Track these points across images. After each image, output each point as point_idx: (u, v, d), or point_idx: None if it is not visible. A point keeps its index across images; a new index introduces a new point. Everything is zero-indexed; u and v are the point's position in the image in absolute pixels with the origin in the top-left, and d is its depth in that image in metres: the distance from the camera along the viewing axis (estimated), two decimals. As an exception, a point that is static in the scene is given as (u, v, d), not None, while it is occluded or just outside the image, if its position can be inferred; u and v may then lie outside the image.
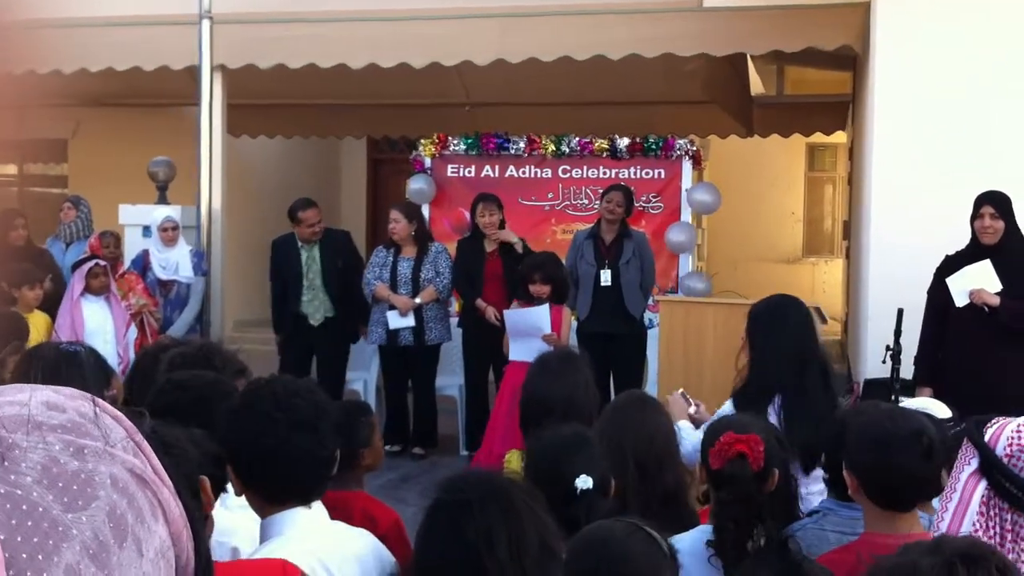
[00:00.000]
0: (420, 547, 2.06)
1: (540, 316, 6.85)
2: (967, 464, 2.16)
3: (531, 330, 6.87)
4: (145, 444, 0.77)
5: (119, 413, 0.77)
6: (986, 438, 2.14)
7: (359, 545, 2.40)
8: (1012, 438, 2.11)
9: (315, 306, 8.16)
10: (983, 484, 2.12)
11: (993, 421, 2.18)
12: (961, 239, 6.51)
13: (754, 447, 2.66)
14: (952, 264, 6.05)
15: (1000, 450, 2.11)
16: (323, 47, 8.79)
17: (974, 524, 2.11)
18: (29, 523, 0.65)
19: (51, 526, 0.66)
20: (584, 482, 2.61)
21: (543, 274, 6.97)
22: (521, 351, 6.87)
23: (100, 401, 0.77)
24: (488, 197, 8.12)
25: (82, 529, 0.67)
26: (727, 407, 4.05)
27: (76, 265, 7.43)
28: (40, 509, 0.66)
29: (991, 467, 2.11)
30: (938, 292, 6.08)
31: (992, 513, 2.10)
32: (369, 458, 3.40)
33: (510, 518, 1.97)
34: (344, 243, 8.45)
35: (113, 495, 0.70)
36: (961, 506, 2.14)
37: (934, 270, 6.15)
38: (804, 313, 4.12)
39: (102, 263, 7.20)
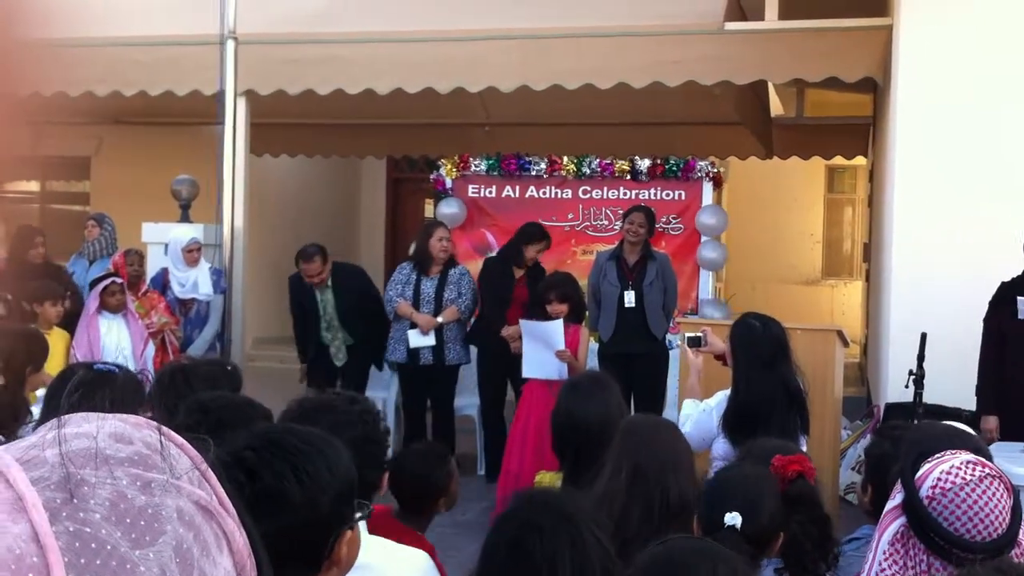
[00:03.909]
0: (484, 559, 2.06)
1: (554, 331, 6.85)
2: (892, 499, 2.09)
3: (545, 343, 6.87)
4: (210, 473, 0.77)
5: (184, 442, 0.77)
6: (919, 474, 2.04)
7: (402, 570, 2.38)
8: (939, 479, 2.01)
9: (336, 346, 8.21)
10: (899, 522, 2.03)
11: (935, 457, 2.07)
12: (984, 263, 6.49)
13: (806, 464, 2.67)
14: (1008, 291, 6.03)
15: (924, 490, 2.01)
16: (349, 71, 8.82)
17: (880, 564, 2.02)
18: (98, 562, 0.65)
19: (119, 564, 0.66)
20: (733, 519, 2.52)
21: (559, 293, 6.98)
22: (535, 368, 6.88)
23: (166, 430, 0.77)
24: (541, 234, 8.15)
25: (149, 566, 0.67)
26: (712, 411, 4.35)
27: (94, 283, 7.45)
28: (109, 547, 0.66)
29: (910, 507, 2.02)
30: (995, 319, 6.06)
31: (911, 552, 2.01)
32: (445, 506, 3.51)
33: (576, 547, 1.98)
34: (356, 279, 8.39)
35: (180, 529, 0.70)
36: (876, 541, 2.07)
37: (989, 299, 6.12)
38: (768, 337, 4.33)
39: (118, 281, 7.22)
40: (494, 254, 8.65)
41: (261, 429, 1.95)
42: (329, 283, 8.14)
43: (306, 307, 8.24)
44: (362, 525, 2.25)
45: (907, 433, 2.83)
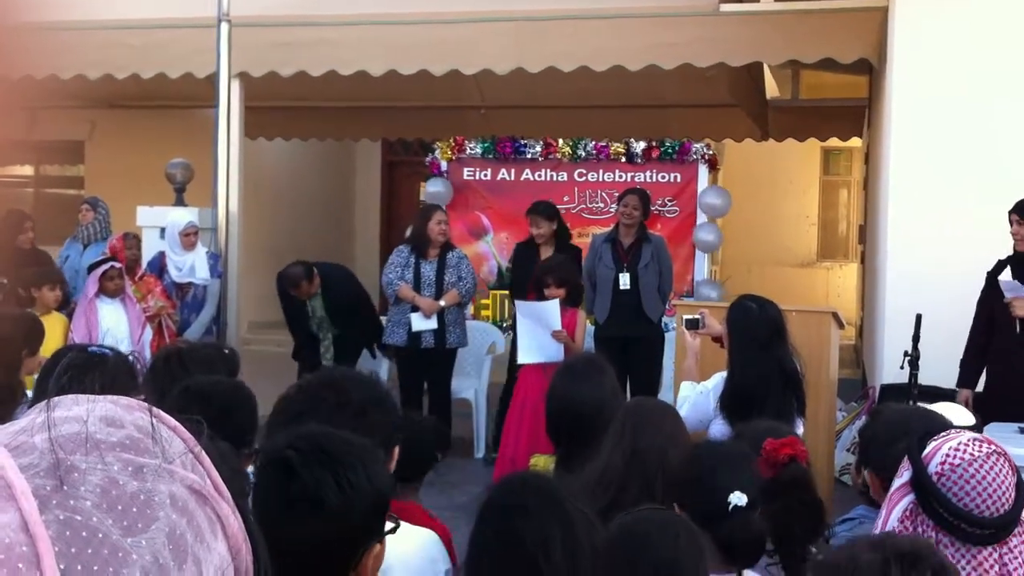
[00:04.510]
0: (474, 549, 2.04)
1: (550, 312, 6.83)
2: (900, 476, 2.10)
3: (541, 324, 6.86)
4: (204, 456, 0.76)
5: (177, 424, 0.76)
6: (926, 451, 2.06)
7: (405, 548, 2.34)
8: (947, 456, 2.02)
9: (325, 345, 8.25)
10: (908, 499, 2.05)
11: (940, 435, 2.09)
12: (979, 244, 6.50)
13: (798, 447, 2.66)
14: (999, 268, 6.11)
15: (933, 467, 2.03)
16: (343, 53, 8.79)
17: None
18: (89, 550, 0.64)
19: (111, 552, 0.65)
20: (739, 499, 2.47)
21: (556, 277, 6.97)
22: (531, 352, 6.87)
23: (158, 412, 0.75)
24: (534, 209, 8.15)
25: (142, 553, 0.66)
26: (709, 393, 4.36)
27: (92, 267, 7.43)
28: (100, 535, 0.65)
29: (919, 484, 2.03)
30: (988, 296, 6.14)
31: (920, 530, 2.03)
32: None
33: (566, 526, 1.97)
34: (344, 284, 8.36)
35: (172, 515, 0.69)
36: (884, 518, 2.08)
37: (986, 275, 6.18)
38: (764, 319, 4.32)
39: (117, 265, 7.21)
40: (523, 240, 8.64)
41: (306, 430, 1.92)
42: (318, 291, 8.16)
43: (295, 307, 8.26)
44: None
45: (880, 416, 2.83)
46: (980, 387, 6.29)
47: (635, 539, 2.11)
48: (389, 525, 1.82)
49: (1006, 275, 6.01)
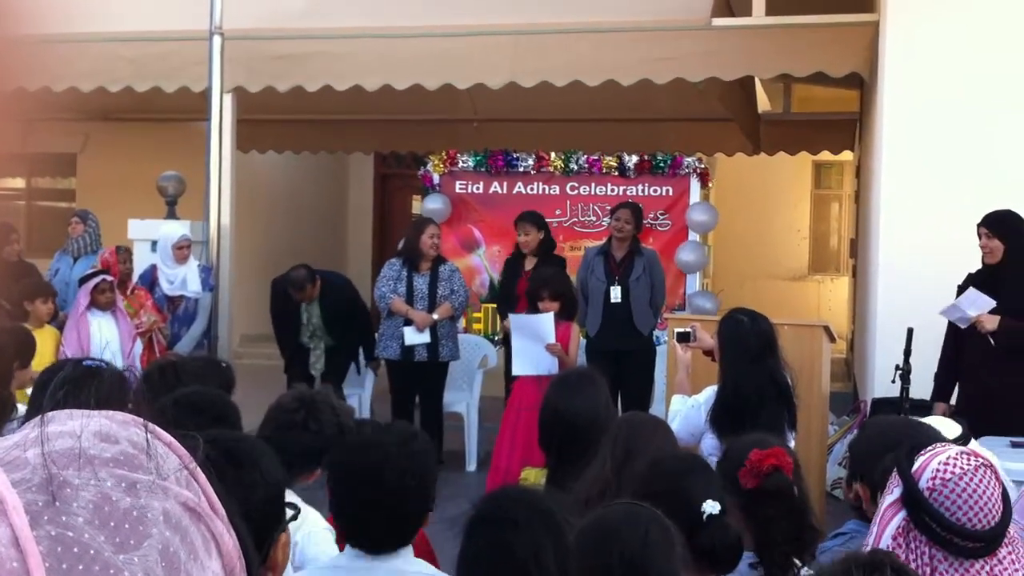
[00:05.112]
0: (464, 562, 2.05)
1: (544, 325, 6.83)
2: (890, 493, 2.10)
3: (535, 338, 6.86)
4: (199, 472, 0.75)
5: (172, 439, 0.76)
6: (915, 467, 2.06)
7: None
8: (937, 471, 2.03)
9: (316, 355, 8.23)
10: (900, 515, 2.06)
11: (927, 450, 2.10)
12: (971, 257, 6.51)
13: (783, 458, 2.66)
14: (969, 283, 6.08)
15: (924, 482, 2.03)
16: (337, 67, 8.78)
17: None
18: (80, 567, 0.64)
19: (103, 569, 0.64)
20: (712, 507, 2.48)
21: (551, 291, 6.97)
22: (525, 364, 6.86)
23: (153, 427, 0.75)
24: (524, 216, 8.19)
25: (134, 571, 0.65)
26: (701, 407, 4.36)
27: (83, 280, 7.41)
28: (91, 552, 0.65)
29: (911, 500, 2.04)
30: None
31: (912, 546, 2.04)
32: None
33: (556, 536, 1.98)
34: (342, 292, 8.37)
35: (166, 532, 0.69)
36: (877, 536, 2.09)
37: (956, 288, 6.15)
38: (756, 332, 4.34)
39: (109, 278, 7.19)
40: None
41: (192, 433, 1.94)
42: (316, 296, 8.16)
43: (289, 314, 8.25)
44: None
45: (867, 428, 2.84)
46: (954, 400, 6.28)
47: (604, 532, 2.12)
48: (290, 513, 1.83)
49: (965, 298, 5.95)
